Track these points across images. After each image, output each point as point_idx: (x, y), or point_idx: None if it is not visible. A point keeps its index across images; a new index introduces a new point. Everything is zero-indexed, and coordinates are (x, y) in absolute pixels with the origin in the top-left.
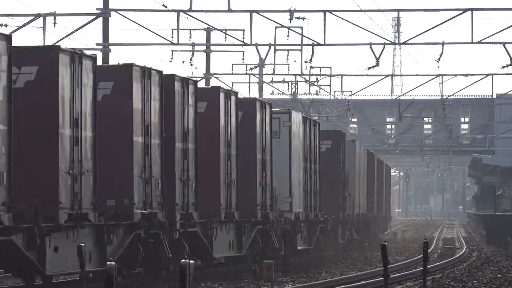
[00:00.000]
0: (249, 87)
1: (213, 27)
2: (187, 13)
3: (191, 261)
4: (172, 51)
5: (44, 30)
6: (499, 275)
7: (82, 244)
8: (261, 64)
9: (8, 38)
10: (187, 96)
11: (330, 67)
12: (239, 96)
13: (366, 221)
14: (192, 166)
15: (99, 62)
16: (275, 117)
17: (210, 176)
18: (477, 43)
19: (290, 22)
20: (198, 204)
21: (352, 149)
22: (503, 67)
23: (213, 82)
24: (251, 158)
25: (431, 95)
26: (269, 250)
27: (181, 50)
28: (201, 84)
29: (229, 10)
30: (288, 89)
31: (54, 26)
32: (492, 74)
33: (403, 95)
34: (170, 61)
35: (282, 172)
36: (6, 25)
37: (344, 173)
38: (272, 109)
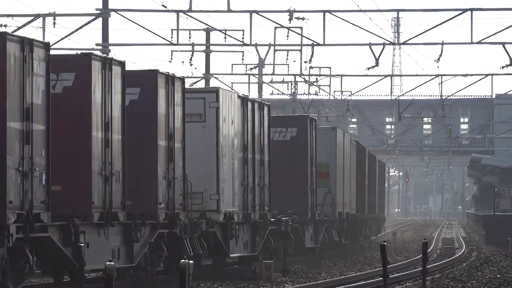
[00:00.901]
0: (249, 87)
1: (212, 27)
2: (187, 13)
3: (191, 261)
4: (172, 51)
5: (44, 30)
6: (498, 275)
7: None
8: (261, 64)
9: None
10: (31, 62)
11: (330, 67)
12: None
13: (355, 222)
14: (42, 154)
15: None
16: (199, 97)
17: (76, 166)
18: (476, 43)
19: (290, 22)
20: (50, 203)
21: (331, 138)
22: (503, 67)
23: (213, 82)
24: (151, 146)
25: (431, 95)
26: (191, 257)
27: (180, 51)
28: (201, 84)
29: (229, 10)
30: (287, 89)
31: (54, 27)
32: (492, 74)
33: (402, 95)
34: (170, 61)
35: (207, 164)
36: (6, 26)
37: (314, 166)
38: (199, 87)
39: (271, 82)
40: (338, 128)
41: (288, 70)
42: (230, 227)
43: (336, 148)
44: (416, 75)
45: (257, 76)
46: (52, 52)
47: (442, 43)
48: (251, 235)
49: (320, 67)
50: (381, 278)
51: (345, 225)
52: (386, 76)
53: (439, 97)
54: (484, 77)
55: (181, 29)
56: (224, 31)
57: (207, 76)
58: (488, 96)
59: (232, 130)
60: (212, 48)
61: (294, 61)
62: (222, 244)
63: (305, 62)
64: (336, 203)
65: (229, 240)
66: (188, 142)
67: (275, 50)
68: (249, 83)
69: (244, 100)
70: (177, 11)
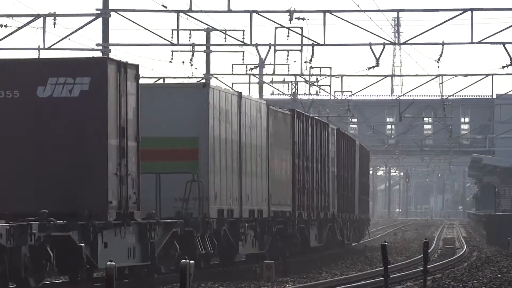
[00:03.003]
0: (249, 88)
1: (213, 28)
2: (187, 13)
3: (191, 261)
4: (172, 51)
5: (44, 30)
6: (499, 275)
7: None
8: (261, 64)
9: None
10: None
11: (330, 67)
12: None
13: (288, 225)
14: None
15: None
16: None
17: None
18: (477, 43)
19: (290, 23)
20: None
21: (201, 101)
22: (503, 67)
23: (213, 83)
24: None
25: (431, 95)
26: None
27: (181, 51)
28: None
29: (229, 11)
30: (288, 89)
31: (54, 27)
32: (492, 74)
33: (403, 95)
34: (170, 62)
35: None
36: (6, 26)
37: (131, 139)
38: None
39: (272, 82)
40: (217, 86)
41: (288, 70)
42: None
43: (210, 116)
44: (417, 75)
45: (257, 76)
46: (52, 52)
47: (443, 43)
48: None
49: (320, 67)
50: (382, 278)
51: (239, 230)
52: (386, 76)
53: (440, 97)
54: (484, 77)
55: (181, 29)
56: (224, 31)
57: (207, 76)
58: (488, 96)
59: None
60: (212, 48)
61: (295, 61)
62: None
63: (306, 62)
64: (214, 197)
65: None
66: None
67: (275, 50)
68: (249, 83)
69: None
70: (177, 11)
